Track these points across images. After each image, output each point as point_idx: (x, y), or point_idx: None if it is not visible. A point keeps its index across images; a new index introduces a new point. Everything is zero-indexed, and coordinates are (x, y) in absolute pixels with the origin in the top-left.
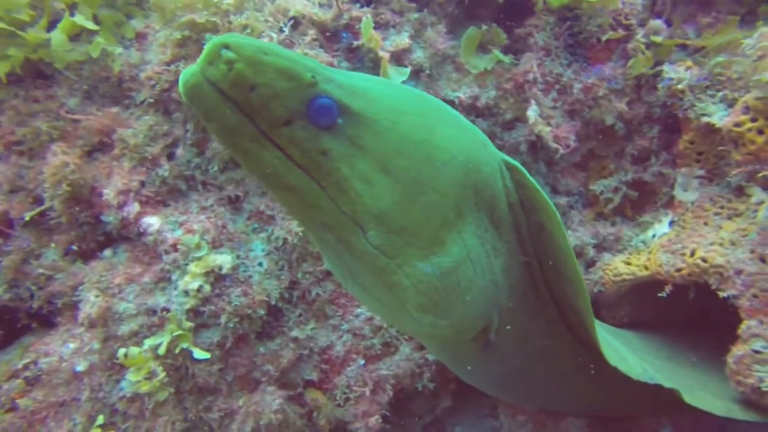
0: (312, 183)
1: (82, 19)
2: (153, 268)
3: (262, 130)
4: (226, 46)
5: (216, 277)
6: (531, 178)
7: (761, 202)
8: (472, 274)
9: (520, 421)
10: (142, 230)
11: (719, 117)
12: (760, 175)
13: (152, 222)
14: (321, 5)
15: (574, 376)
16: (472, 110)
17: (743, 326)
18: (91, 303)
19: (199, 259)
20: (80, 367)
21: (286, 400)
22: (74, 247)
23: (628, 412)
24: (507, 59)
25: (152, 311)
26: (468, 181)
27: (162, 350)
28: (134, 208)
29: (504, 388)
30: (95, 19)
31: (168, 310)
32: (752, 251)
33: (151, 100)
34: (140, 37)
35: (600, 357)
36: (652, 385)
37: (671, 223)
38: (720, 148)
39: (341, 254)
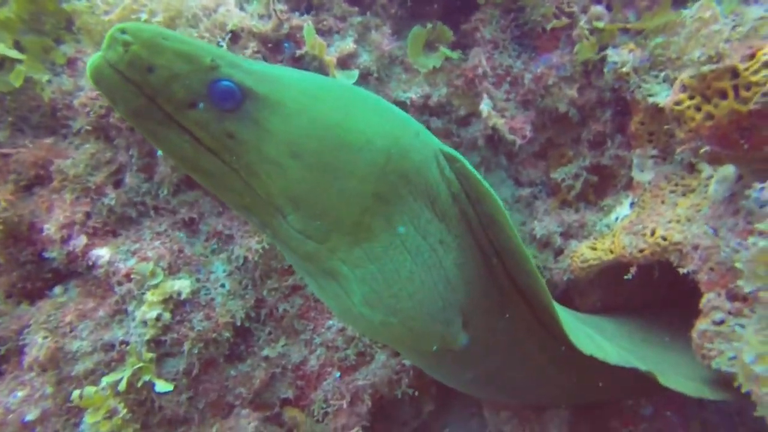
0: (224, 166)
1: (2, 48)
2: (107, 301)
3: (168, 113)
4: (123, 31)
5: (175, 304)
6: (471, 168)
7: (711, 177)
8: (411, 265)
9: (504, 417)
10: (91, 263)
11: (663, 96)
12: (701, 151)
13: (102, 253)
14: (261, 16)
15: (551, 369)
16: (424, 110)
17: (704, 300)
18: (38, 346)
19: (155, 286)
20: (31, 416)
21: (262, 422)
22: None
23: (609, 398)
24: (455, 55)
25: (109, 346)
26: (390, 166)
27: (122, 386)
28: (81, 241)
29: (483, 388)
30: (18, 46)
31: (127, 343)
32: (706, 224)
33: (89, 128)
34: (72, 62)
35: (574, 349)
36: (630, 369)
37: (632, 204)
38: (666, 126)
39: (282, 246)
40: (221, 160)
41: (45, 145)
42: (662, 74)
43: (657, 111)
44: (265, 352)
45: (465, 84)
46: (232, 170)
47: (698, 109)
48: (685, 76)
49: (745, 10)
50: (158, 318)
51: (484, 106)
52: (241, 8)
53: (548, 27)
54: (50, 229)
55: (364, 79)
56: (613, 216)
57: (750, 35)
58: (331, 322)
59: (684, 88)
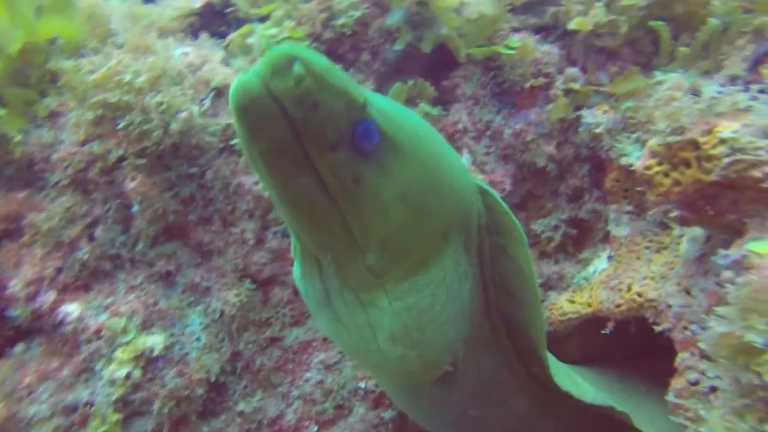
0: (334, 210)
1: None
2: (74, 359)
3: (307, 154)
4: (295, 59)
5: (147, 361)
6: (502, 202)
7: (682, 235)
8: (445, 297)
9: None
10: (59, 320)
11: (635, 157)
12: (671, 215)
13: (71, 309)
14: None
15: (531, 415)
16: None
17: (678, 359)
18: None
19: (126, 344)
20: None
21: None
22: None
23: None
24: (435, 111)
25: (72, 409)
26: (458, 207)
27: None
28: (49, 297)
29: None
30: (0, 100)
31: (92, 404)
32: (678, 284)
33: (66, 182)
34: (54, 115)
35: (555, 392)
36: (608, 418)
37: (609, 258)
38: (638, 188)
39: (327, 275)
40: (334, 204)
41: (17, 199)
42: (634, 136)
43: (630, 170)
44: (241, 406)
45: (446, 138)
46: (338, 213)
47: (666, 175)
48: (653, 143)
49: (703, 87)
50: (128, 376)
51: (464, 161)
52: (227, 65)
53: (527, 86)
54: (16, 285)
55: None
56: (591, 269)
57: (707, 112)
58: (309, 374)
59: (653, 154)
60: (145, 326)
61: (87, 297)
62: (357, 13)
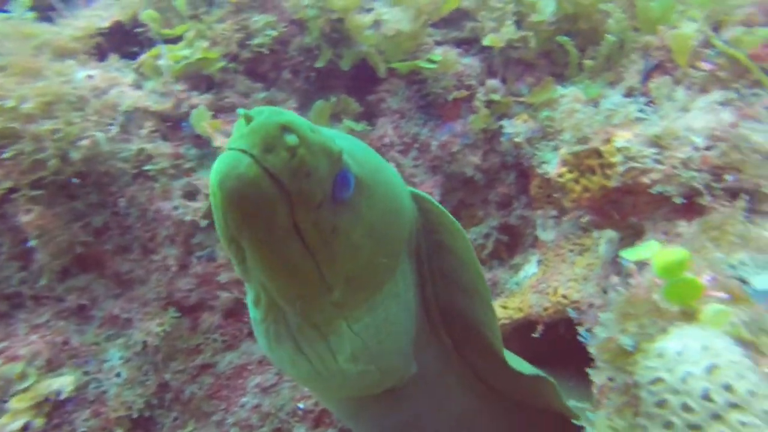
0: (311, 262)
1: None
2: None
3: (296, 220)
4: (287, 129)
5: (52, 406)
6: (436, 202)
7: (600, 237)
8: (396, 308)
9: None
10: None
11: (554, 165)
12: (583, 220)
13: None
14: (160, 94)
15: (468, 413)
16: None
17: None
18: None
19: (24, 390)
20: None
21: None
22: None
23: None
24: (359, 127)
25: None
26: (408, 223)
27: None
28: None
29: None
30: None
31: None
32: (597, 284)
33: None
34: None
35: (492, 385)
36: (540, 416)
37: (538, 262)
38: (555, 195)
39: (289, 316)
40: (311, 256)
41: None
42: (552, 143)
43: (547, 177)
44: None
45: None
46: (314, 263)
47: (577, 181)
48: (564, 152)
49: (602, 99)
50: (25, 428)
51: None
52: (138, 87)
53: (450, 98)
54: None
55: None
56: (521, 274)
57: (605, 123)
58: (245, 399)
59: (564, 162)
60: (51, 367)
61: None
62: (274, 33)
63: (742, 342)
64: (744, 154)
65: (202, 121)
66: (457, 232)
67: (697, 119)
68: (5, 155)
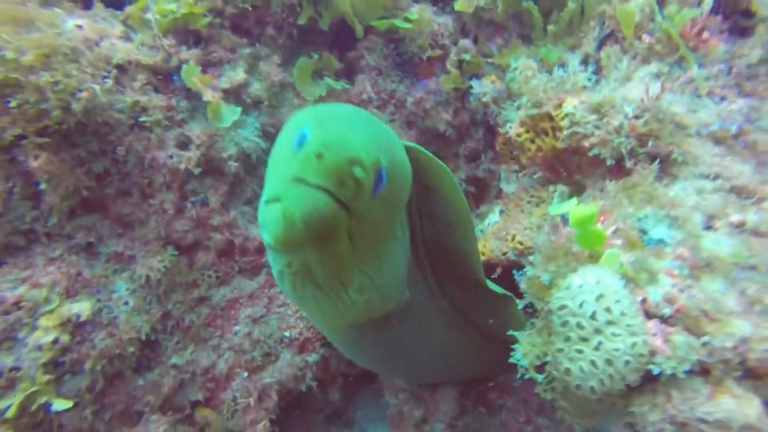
0: (351, 246)
1: None
2: None
3: (350, 225)
4: (355, 162)
5: (74, 326)
6: (425, 150)
7: (554, 191)
8: (396, 248)
9: (402, 398)
10: None
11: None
12: (536, 175)
13: None
14: (150, 47)
15: (449, 344)
16: None
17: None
18: None
19: (50, 312)
20: None
21: (173, 425)
22: None
23: (490, 371)
24: (338, 85)
25: None
26: (410, 181)
27: (12, 413)
28: None
29: (393, 365)
30: None
31: (18, 369)
32: (547, 233)
33: None
34: None
35: (467, 325)
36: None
37: (501, 212)
38: (515, 152)
39: (315, 274)
40: (352, 241)
41: None
42: (516, 104)
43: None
44: (174, 360)
45: None
46: (352, 245)
47: (532, 141)
48: (522, 113)
49: (563, 63)
50: (55, 341)
51: None
52: (126, 38)
53: (425, 56)
54: None
55: (256, 106)
56: (486, 222)
57: (557, 89)
58: (237, 327)
59: (522, 123)
60: (69, 295)
61: (1, 272)
62: None
63: (626, 276)
64: (662, 123)
65: (192, 77)
66: (445, 175)
67: (633, 89)
68: (11, 104)
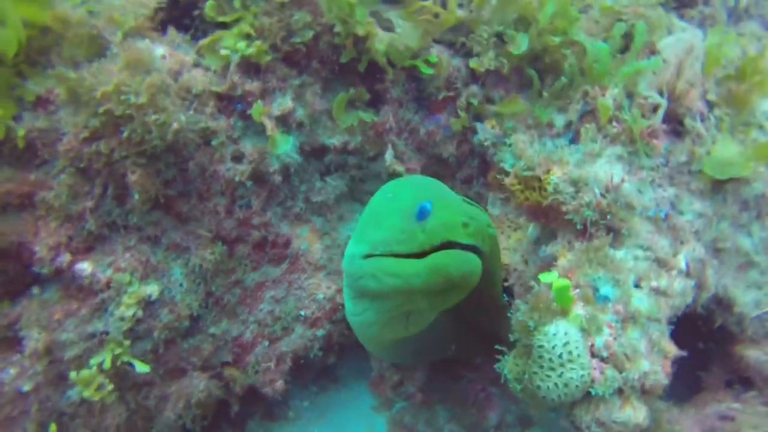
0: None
1: None
2: (88, 303)
3: None
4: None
5: (146, 303)
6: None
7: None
8: None
9: (384, 365)
10: (76, 275)
11: (509, 164)
12: (522, 218)
13: (84, 267)
14: (219, 76)
15: (448, 341)
16: (343, 152)
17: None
18: (35, 339)
19: (132, 292)
20: (26, 387)
21: (208, 379)
22: None
23: (468, 355)
24: (368, 117)
25: (92, 335)
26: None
27: (107, 365)
28: (66, 258)
29: (402, 358)
30: None
31: (107, 333)
32: (522, 255)
33: (72, 168)
34: (43, 102)
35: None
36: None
37: None
38: (505, 194)
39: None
40: None
41: (29, 179)
42: (510, 149)
43: (503, 171)
44: (212, 330)
45: (375, 135)
46: None
47: (522, 192)
48: (517, 170)
49: (546, 138)
50: (133, 315)
51: (388, 156)
52: (198, 65)
53: (441, 96)
54: (41, 251)
55: (299, 128)
56: None
57: (547, 159)
58: (262, 306)
59: (515, 176)
60: (143, 278)
61: (94, 257)
62: (311, 32)
63: (582, 329)
64: (618, 205)
65: (260, 114)
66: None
67: (601, 169)
68: (124, 134)
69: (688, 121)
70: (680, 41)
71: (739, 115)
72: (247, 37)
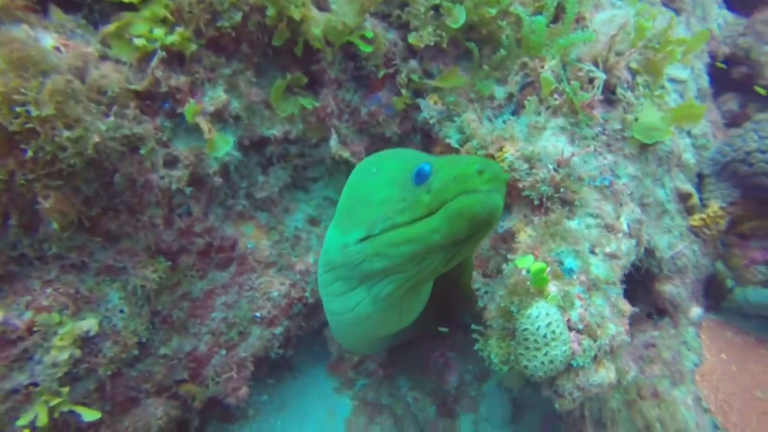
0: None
1: None
2: (3, 354)
3: None
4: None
5: (84, 340)
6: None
7: None
8: None
9: (344, 348)
10: None
11: (455, 140)
12: None
13: None
14: (137, 71)
15: (415, 328)
16: (284, 141)
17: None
18: None
19: (64, 333)
20: None
21: (165, 403)
22: None
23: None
24: (308, 104)
25: (14, 392)
26: None
27: (42, 420)
28: None
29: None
30: None
31: (36, 385)
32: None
33: None
34: None
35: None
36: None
37: None
38: None
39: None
40: None
41: None
42: (454, 123)
43: (449, 147)
44: (162, 351)
45: (317, 121)
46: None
47: None
48: (469, 147)
49: (496, 116)
50: (70, 357)
51: (333, 142)
52: (105, 59)
53: (380, 74)
54: None
55: (236, 121)
56: None
57: (499, 137)
58: (214, 314)
59: (468, 154)
60: (75, 313)
61: (4, 301)
62: (239, 15)
63: (559, 307)
64: (570, 178)
65: (193, 116)
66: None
67: (549, 143)
68: (27, 154)
69: (619, 91)
70: (615, 17)
71: (655, 81)
72: (163, 21)
